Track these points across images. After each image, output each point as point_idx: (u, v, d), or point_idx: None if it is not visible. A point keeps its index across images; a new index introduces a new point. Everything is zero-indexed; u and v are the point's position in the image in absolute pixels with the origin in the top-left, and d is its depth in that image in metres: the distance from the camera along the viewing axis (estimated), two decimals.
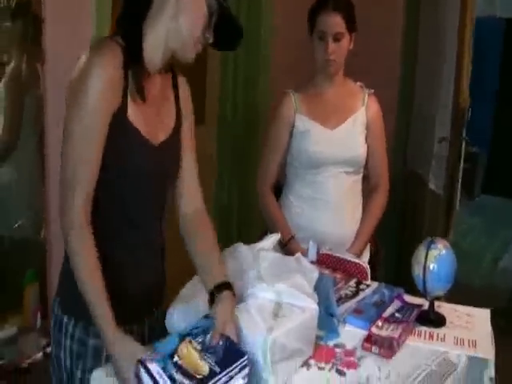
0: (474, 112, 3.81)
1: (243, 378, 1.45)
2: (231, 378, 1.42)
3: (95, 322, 1.52)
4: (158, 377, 1.38)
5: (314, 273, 1.75)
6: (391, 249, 3.87)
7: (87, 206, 1.55)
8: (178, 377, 1.38)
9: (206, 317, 1.55)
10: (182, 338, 1.46)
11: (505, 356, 2.12)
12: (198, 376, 1.39)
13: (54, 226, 2.78)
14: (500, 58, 6.89)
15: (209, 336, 1.47)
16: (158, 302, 1.81)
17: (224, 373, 1.41)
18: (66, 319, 1.68)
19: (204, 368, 1.42)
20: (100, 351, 1.67)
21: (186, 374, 1.39)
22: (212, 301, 1.60)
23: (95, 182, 1.56)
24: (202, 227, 1.78)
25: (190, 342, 1.46)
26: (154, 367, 1.39)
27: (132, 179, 1.63)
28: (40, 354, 2.69)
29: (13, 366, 2.62)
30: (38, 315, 2.83)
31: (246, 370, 1.45)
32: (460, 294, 2.08)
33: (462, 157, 4.26)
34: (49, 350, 2.68)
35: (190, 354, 1.44)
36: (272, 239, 1.84)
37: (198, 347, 1.45)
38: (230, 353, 1.45)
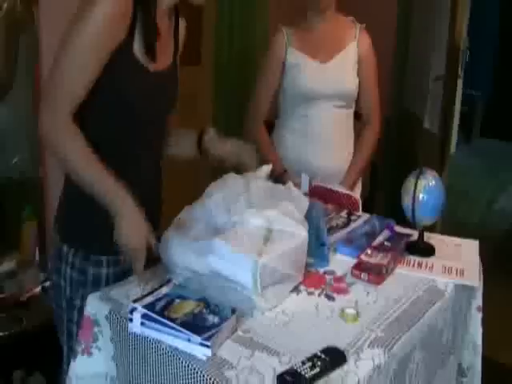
0: (473, 55, 3.78)
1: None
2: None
3: (105, 201, 1.55)
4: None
5: (305, 202, 1.77)
6: (387, 186, 3.90)
7: (71, 116, 1.54)
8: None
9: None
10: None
11: (493, 291, 2.18)
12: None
13: (51, 162, 2.80)
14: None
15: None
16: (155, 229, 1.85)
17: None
18: (65, 248, 1.71)
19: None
20: (100, 280, 1.73)
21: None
22: (199, 144, 1.79)
23: (81, 99, 1.55)
24: None
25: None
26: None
27: (132, 109, 1.64)
28: (39, 288, 2.74)
29: (12, 299, 2.67)
30: (37, 250, 2.87)
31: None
32: (455, 233, 2.11)
33: (460, 97, 4.25)
34: (47, 284, 2.74)
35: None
36: (264, 170, 1.86)
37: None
38: None
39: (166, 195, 1.91)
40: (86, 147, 1.54)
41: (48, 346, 2.29)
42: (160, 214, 1.88)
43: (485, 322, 1.99)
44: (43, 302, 2.68)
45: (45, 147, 1.57)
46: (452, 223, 4.01)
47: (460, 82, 4.17)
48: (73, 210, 1.73)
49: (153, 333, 1.45)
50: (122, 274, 1.75)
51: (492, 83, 7.02)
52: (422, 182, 1.91)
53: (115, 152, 1.67)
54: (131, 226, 1.56)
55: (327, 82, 2.37)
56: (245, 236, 1.60)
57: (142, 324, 1.46)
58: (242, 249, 1.55)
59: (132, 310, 1.48)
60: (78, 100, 1.55)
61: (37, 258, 2.87)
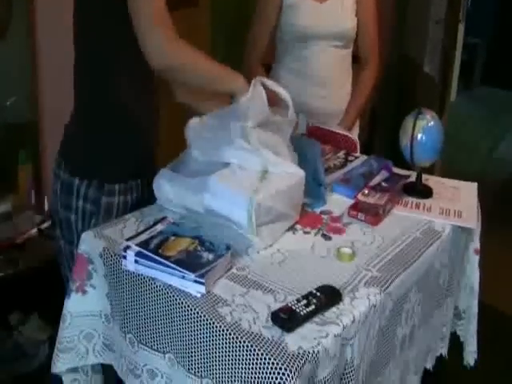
0: (475, 3, 3.70)
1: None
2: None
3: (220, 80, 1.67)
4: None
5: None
6: (386, 131, 3.86)
7: None
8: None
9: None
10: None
11: (492, 239, 2.17)
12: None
13: (47, 105, 2.76)
14: None
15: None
16: (154, 160, 1.87)
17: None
18: (77, 181, 1.73)
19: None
20: (111, 209, 1.75)
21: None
22: None
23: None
24: None
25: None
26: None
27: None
28: (35, 231, 2.74)
29: (8, 241, 2.67)
30: (33, 193, 2.86)
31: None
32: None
33: (461, 43, 4.19)
34: (43, 226, 2.73)
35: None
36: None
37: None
38: None
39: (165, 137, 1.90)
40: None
41: (44, 287, 2.30)
42: (156, 150, 1.88)
43: (482, 268, 1.98)
44: (39, 244, 2.68)
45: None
46: (452, 171, 3.99)
47: (461, 27, 4.11)
48: (85, 140, 1.76)
49: (147, 270, 1.44)
50: (131, 204, 1.78)
51: (493, 30, 6.91)
52: (420, 123, 1.87)
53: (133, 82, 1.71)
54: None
55: (325, 22, 2.31)
56: (241, 174, 1.57)
57: (136, 262, 1.45)
58: (238, 187, 1.53)
59: (126, 248, 1.46)
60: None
61: (33, 200, 2.85)
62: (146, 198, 1.78)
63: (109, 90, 1.69)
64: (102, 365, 1.67)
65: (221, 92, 1.70)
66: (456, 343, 2.04)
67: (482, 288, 1.99)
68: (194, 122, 1.72)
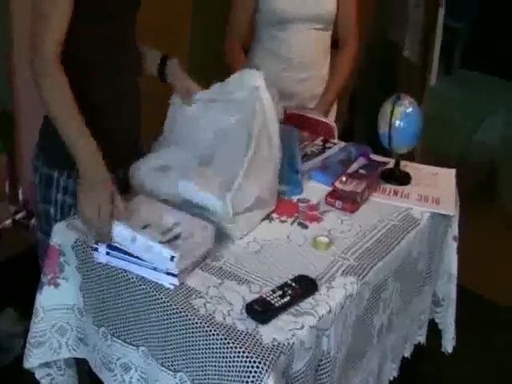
0: None
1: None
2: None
3: (77, 159, 1.52)
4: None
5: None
6: (367, 116, 3.84)
7: (59, 46, 1.51)
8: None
9: None
10: None
11: (472, 222, 2.16)
12: None
13: (23, 96, 2.72)
14: None
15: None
16: (138, 148, 1.83)
17: None
18: (56, 174, 1.69)
19: None
20: None
21: None
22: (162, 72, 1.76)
23: (68, 20, 1.51)
24: None
25: None
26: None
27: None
28: (9, 221, 2.70)
29: None
30: (7, 184, 2.82)
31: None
32: (435, 165, 2.06)
33: (440, 27, 4.17)
34: (18, 216, 2.70)
35: None
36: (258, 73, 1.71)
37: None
38: None
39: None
40: (71, 105, 1.52)
41: (20, 279, 2.26)
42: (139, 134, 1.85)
43: (461, 253, 1.97)
44: (14, 235, 2.64)
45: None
46: (432, 154, 3.99)
47: (441, 10, 4.07)
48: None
49: (119, 262, 1.41)
50: None
51: (473, 14, 6.90)
52: (398, 109, 1.85)
53: (102, 63, 1.64)
54: (90, 198, 1.48)
55: (304, 5, 2.27)
56: (217, 163, 1.55)
57: (108, 254, 1.42)
58: (214, 176, 1.51)
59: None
60: (64, 24, 1.51)
61: (7, 191, 2.81)
62: (125, 189, 1.74)
63: (82, 79, 1.65)
64: (76, 359, 1.64)
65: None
66: (434, 330, 2.03)
67: (460, 272, 1.98)
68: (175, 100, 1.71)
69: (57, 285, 1.57)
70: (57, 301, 1.58)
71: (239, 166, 1.54)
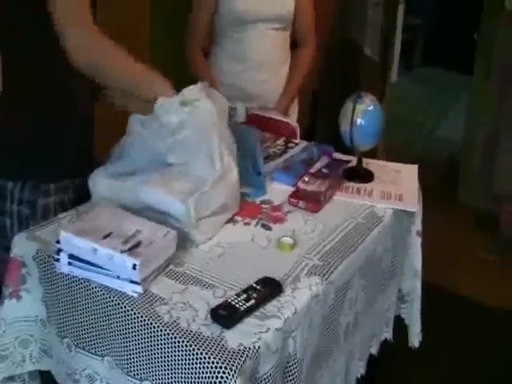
0: None
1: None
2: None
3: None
4: None
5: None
6: (328, 115, 3.85)
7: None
8: None
9: None
10: None
11: (435, 218, 2.17)
12: None
13: None
14: None
15: None
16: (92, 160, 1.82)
17: None
18: (10, 185, 1.67)
19: None
20: (48, 209, 1.70)
21: None
22: None
23: None
24: None
25: None
26: None
27: None
28: None
29: None
30: None
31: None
32: (398, 161, 2.07)
33: (400, 24, 4.20)
34: None
35: None
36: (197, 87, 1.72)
37: None
38: None
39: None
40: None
41: None
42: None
43: (426, 246, 1.98)
44: None
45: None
46: (394, 151, 4.02)
47: (401, 8, 4.12)
48: (16, 140, 1.69)
49: (81, 272, 1.39)
50: (68, 203, 1.72)
51: (433, 10, 6.97)
52: (359, 107, 1.86)
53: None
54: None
55: (265, 5, 2.28)
56: (178, 170, 1.53)
57: (70, 264, 1.39)
58: (175, 181, 1.49)
59: (58, 251, 1.40)
60: None
61: None
62: (84, 196, 1.71)
63: (29, 88, 1.63)
64: (40, 371, 1.61)
65: (142, 96, 1.63)
66: (400, 326, 2.04)
67: (425, 267, 1.99)
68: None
69: (19, 297, 1.53)
70: (19, 313, 1.54)
71: (205, 174, 1.53)
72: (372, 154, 2.06)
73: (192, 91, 1.60)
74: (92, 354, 1.41)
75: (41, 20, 1.53)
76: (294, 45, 2.49)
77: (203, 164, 1.55)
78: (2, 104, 1.70)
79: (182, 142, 1.56)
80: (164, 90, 1.59)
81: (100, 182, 1.62)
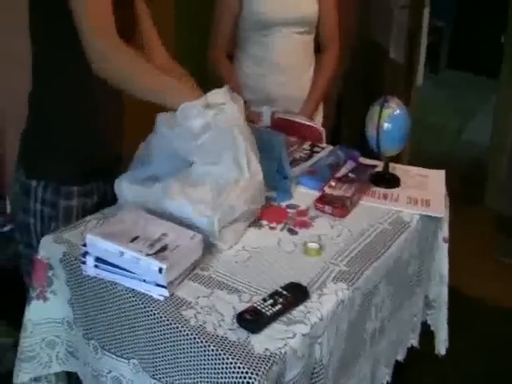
0: None
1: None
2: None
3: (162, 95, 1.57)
4: None
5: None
6: (354, 119, 3.84)
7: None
8: None
9: None
10: None
11: (460, 221, 2.15)
12: None
13: (7, 107, 2.68)
14: None
15: None
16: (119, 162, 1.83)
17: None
18: (34, 184, 1.69)
19: None
20: (71, 212, 1.71)
21: None
22: None
23: None
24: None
25: None
26: None
27: None
28: None
29: None
30: None
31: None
32: (423, 165, 2.06)
33: (425, 27, 4.17)
34: (5, 229, 2.67)
35: None
36: (222, 91, 1.69)
37: None
38: None
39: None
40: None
41: (9, 292, 2.23)
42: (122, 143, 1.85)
43: (451, 253, 1.96)
44: (2, 248, 2.61)
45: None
46: (419, 155, 4.00)
47: (426, 11, 4.08)
48: (42, 140, 1.71)
49: (107, 275, 1.39)
50: (91, 206, 1.73)
51: (455, 13, 6.92)
52: (386, 111, 1.84)
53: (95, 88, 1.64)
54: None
55: (286, 8, 2.28)
56: (201, 179, 1.53)
57: (96, 266, 1.40)
58: (198, 194, 1.50)
59: (85, 253, 1.41)
60: None
61: None
62: (109, 199, 1.72)
63: (58, 90, 1.64)
64: (67, 372, 1.62)
65: (168, 108, 1.60)
66: (427, 332, 2.03)
67: (451, 274, 1.97)
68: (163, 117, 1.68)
69: (45, 299, 1.55)
70: (46, 315, 1.55)
71: (231, 178, 1.53)
72: (397, 157, 2.05)
73: (217, 95, 1.60)
74: (118, 356, 1.42)
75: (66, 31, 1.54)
76: (319, 49, 2.48)
77: (229, 168, 1.54)
78: (29, 103, 1.72)
79: (206, 145, 1.56)
80: (192, 101, 1.57)
81: (126, 188, 1.62)
